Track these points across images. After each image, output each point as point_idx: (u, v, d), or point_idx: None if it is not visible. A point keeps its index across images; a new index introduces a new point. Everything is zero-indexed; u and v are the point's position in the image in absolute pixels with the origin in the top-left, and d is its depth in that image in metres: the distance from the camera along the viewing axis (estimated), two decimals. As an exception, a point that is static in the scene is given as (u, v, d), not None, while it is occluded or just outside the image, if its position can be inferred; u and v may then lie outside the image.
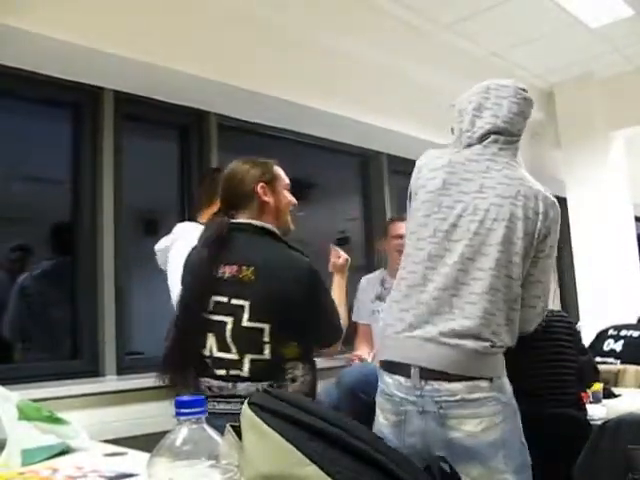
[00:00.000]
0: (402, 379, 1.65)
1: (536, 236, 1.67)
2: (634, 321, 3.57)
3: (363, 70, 3.79)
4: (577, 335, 2.41)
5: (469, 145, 1.78)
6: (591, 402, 2.54)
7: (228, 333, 1.80)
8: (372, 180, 4.44)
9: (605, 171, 5.03)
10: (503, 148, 1.76)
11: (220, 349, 1.81)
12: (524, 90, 1.83)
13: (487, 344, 1.61)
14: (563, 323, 2.28)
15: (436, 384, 1.60)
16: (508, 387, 1.66)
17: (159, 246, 2.58)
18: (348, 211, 3.25)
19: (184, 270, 1.98)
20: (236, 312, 1.80)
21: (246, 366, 1.78)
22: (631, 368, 3.05)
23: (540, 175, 5.78)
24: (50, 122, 3.11)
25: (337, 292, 2.17)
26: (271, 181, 1.97)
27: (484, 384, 1.60)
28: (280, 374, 1.79)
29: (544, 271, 1.73)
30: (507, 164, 1.74)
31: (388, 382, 1.69)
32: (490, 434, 1.58)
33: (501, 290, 1.64)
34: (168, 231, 2.64)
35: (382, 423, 1.70)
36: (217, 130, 3.50)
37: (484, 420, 1.58)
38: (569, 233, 5.21)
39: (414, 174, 1.83)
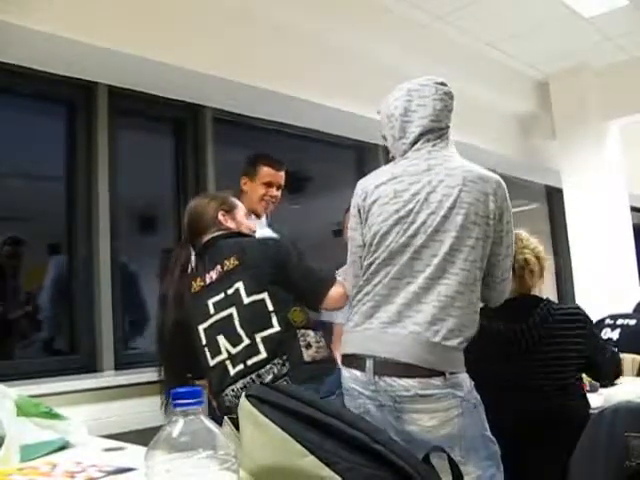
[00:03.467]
0: (358, 373, 1.69)
1: (491, 217, 1.71)
2: (630, 310, 3.58)
3: (358, 63, 3.78)
4: (589, 331, 2.20)
5: (404, 152, 1.84)
6: (588, 391, 2.55)
7: (237, 321, 1.87)
8: (369, 172, 4.42)
9: (600, 161, 5.03)
10: (436, 144, 1.81)
11: (233, 344, 1.88)
12: (443, 84, 1.86)
13: (444, 331, 1.63)
14: (571, 324, 2.14)
15: (389, 380, 1.62)
16: (466, 383, 1.66)
17: None
18: (345, 204, 3.25)
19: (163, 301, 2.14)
20: (235, 298, 1.90)
21: (261, 347, 1.84)
22: (628, 357, 3.06)
23: (535, 166, 5.78)
24: (44, 118, 3.09)
25: None
26: (230, 210, 2.14)
27: (437, 382, 1.61)
28: (294, 342, 1.85)
29: (509, 245, 1.80)
30: (445, 157, 1.80)
31: (346, 376, 1.74)
32: (445, 428, 1.60)
33: (458, 274, 1.66)
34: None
35: None
36: (212, 124, 3.49)
37: (438, 415, 1.60)
38: (565, 223, 5.22)
39: (358, 196, 1.88)
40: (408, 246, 1.70)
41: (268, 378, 1.82)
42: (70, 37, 2.58)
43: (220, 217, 2.11)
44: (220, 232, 2.07)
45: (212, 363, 1.91)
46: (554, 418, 2.01)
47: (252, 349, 1.85)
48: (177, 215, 3.32)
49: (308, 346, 1.86)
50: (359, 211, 1.85)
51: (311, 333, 1.89)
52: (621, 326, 3.23)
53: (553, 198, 6.12)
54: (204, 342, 1.94)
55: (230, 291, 1.92)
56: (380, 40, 3.74)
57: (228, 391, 1.88)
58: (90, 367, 2.85)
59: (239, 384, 1.86)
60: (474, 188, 1.71)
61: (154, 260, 2.64)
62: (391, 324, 1.66)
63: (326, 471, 0.75)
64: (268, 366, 1.83)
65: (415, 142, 1.82)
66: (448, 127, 1.86)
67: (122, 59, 2.80)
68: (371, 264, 1.76)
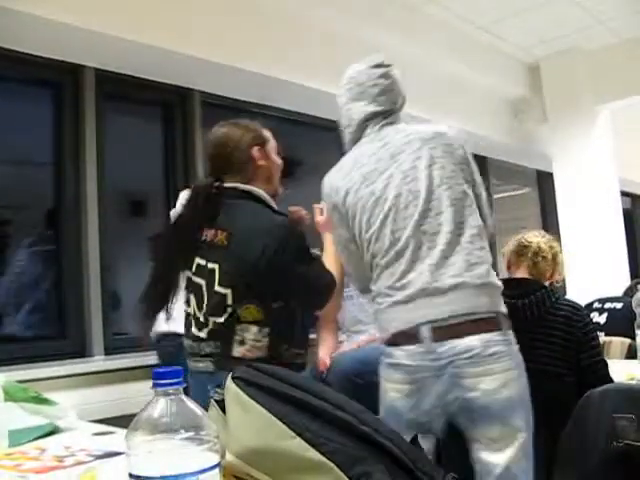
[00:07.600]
0: (413, 347, 1.62)
1: (460, 160, 1.75)
2: (620, 294, 3.60)
3: (347, 46, 3.74)
4: (581, 332, 2.07)
5: (355, 140, 1.85)
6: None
7: (204, 296, 1.82)
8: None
9: (591, 145, 5.04)
10: (384, 124, 1.82)
11: (199, 309, 1.84)
12: (379, 66, 1.84)
13: (482, 271, 1.63)
14: (562, 318, 2.07)
15: (448, 343, 1.58)
16: (515, 341, 1.67)
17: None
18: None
19: (169, 229, 2.00)
20: (209, 276, 1.82)
21: (208, 328, 1.81)
22: (616, 340, 3.08)
23: (526, 150, 5.78)
24: (30, 102, 3.06)
25: (328, 251, 2.01)
26: (264, 144, 1.94)
27: (497, 337, 1.60)
28: (229, 335, 1.78)
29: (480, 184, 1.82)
30: (396, 130, 1.81)
31: (399, 355, 1.66)
32: (505, 391, 1.58)
33: (466, 222, 1.68)
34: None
35: (393, 397, 1.67)
36: (201, 108, 3.47)
37: (499, 377, 1.58)
38: (556, 208, 5.24)
39: (328, 194, 1.85)
40: (406, 219, 1.68)
41: (206, 350, 1.80)
42: (56, 19, 2.55)
43: (255, 153, 1.89)
44: (243, 186, 1.87)
45: (187, 310, 1.88)
46: (546, 397, 2.01)
47: (204, 326, 1.82)
48: (166, 199, 3.31)
49: (241, 343, 1.76)
50: (335, 206, 1.82)
51: (254, 329, 1.78)
52: (608, 310, 3.25)
53: (544, 182, 6.13)
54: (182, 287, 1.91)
55: (210, 265, 1.82)
56: (370, 22, 3.72)
57: (184, 339, 1.89)
58: (80, 352, 2.85)
59: (189, 342, 1.86)
60: (437, 142, 1.74)
61: (143, 245, 2.63)
62: (432, 287, 1.62)
63: (312, 453, 0.75)
64: (204, 343, 1.81)
65: (361, 129, 1.83)
66: (394, 106, 1.85)
67: (109, 42, 2.77)
68: (384, 250, 1.71)
